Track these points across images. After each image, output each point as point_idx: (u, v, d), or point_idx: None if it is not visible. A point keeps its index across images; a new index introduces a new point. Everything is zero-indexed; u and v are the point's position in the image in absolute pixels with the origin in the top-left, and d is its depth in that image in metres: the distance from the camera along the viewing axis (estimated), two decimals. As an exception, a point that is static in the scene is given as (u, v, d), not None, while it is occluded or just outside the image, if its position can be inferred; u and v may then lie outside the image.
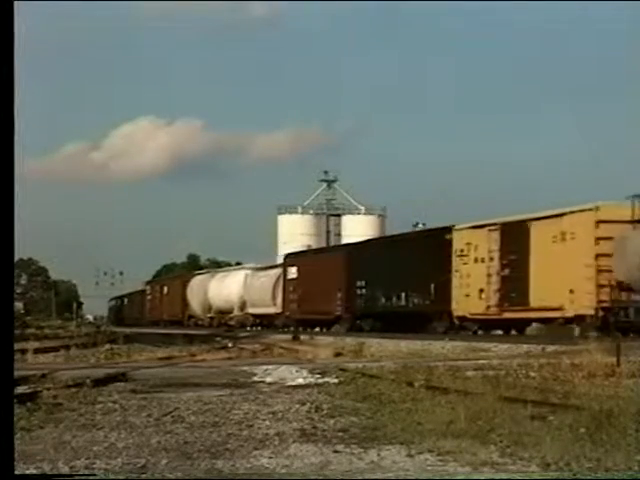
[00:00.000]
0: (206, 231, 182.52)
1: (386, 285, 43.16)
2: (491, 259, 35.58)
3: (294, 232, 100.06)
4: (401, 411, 10.50)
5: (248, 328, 59.51)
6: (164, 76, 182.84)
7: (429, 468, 7.26)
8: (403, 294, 41.79)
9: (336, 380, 14.99)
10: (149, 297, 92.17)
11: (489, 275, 35.61)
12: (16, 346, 21.74)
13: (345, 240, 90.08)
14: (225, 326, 63.68)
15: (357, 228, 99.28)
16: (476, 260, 36.55)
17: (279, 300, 56.90)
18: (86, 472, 7.22)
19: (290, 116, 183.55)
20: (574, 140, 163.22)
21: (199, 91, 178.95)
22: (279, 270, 58.91)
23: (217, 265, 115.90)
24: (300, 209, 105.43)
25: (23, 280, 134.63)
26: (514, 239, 34.24)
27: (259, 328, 60.57)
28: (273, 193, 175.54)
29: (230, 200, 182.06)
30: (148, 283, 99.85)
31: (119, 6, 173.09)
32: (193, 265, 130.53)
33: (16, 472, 6.43)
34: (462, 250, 37.36)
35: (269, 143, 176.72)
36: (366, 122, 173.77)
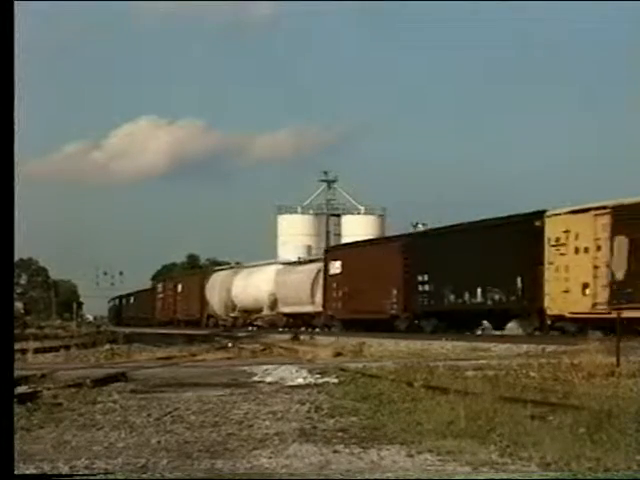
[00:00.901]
0: (206, 231, 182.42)
1: (455, 279, 38.01)
2: (598, 248, 30.40)
3: (294, 232, 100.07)
4: (401, 411, 10.51)
5: (280, 329, 53.92)
6: (165, 76, 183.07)
7: (429, 468, 7.27)
8: (479, 290, 36.65)
9: (336, 380, 14.99)
10: (160, 295, 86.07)
11: (596, 267, 30.52)
12: (16, 346, 21.75)
13: (345, 240, 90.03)
14: (250, 326, 60.71)
15: (357, 228, 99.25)
16: (577, 250, 31.56)
17: (318, 298, 51.65)
18: (86, 472, 7.23)
19: (291, 116, 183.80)
20: (575, 140, 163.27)
21: (200, 91, 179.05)
22: (318, 265, 53.63)
23: (217, 265, 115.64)
24: (300, 209, 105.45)
25: (23, 280, 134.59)
26: (630, 225, 28.10)
27: (293, 328, 53.68)
28: (273, 193, 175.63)
29: (230, 200, 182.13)
30: (158, 281, 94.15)
31: (121, 6, 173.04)
32: (193, 265, 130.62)
33: (16, 472, 6.43)
34: (558, 239, 32.34)
35: (270, 143, 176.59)
36: (366, 122, 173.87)
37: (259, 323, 60.97)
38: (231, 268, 72.44)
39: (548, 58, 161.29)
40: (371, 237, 78.33)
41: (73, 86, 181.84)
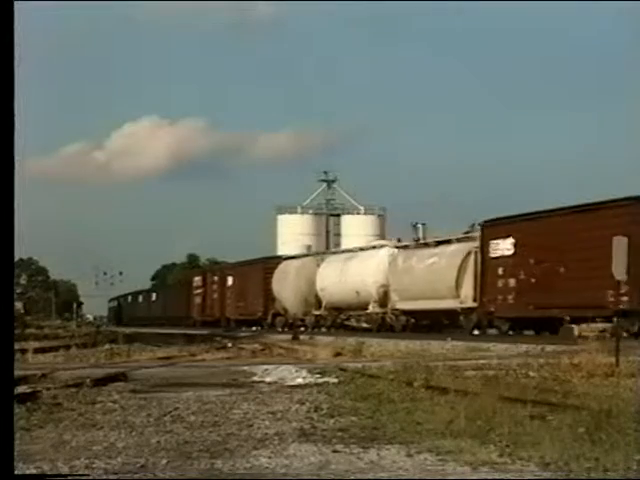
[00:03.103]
0: (206, 231, 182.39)
1: None
2: None
3: (294, 232, 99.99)
4: (400, 411, 10.51)
5: (396, 330, 42.72)
6: (167, 76, 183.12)
7: (428, 468, 7.27)
8: None
9: (335, 380, 14.99)
10: (198, 291, 72.22)
11: None
12: (16, 346, 21.73)
13: (344, 240, 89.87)
14: (342, 327, 48.16)
15: (356, 228, 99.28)
16: None
17: (467, 290, 38.88)
18: (86, 472, 7.23)
19: (291, 116, 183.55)
20: (575, 141, 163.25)
21: (201, 91, 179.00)
22: (467, 245, 39.78)
23: (216, 264, 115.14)
24: (300, 209, 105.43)
25: (23, 280, 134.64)
26: None
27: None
28: (273, 193, 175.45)
29: (230, 200, 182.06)
30: (194, 273, 79.90)
31: (122, 5, 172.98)
32: (193, 265, 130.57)
33: (16, 472, 6.43)
34: None
35: (270, 143, 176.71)
36: (366, 122, 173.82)
37: (357, 323, 47.93)
38: (313, 255, 58.47)
39: (548, 58, 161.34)
40: (371, 237, 77.88)
41: (74, 86, 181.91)
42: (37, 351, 26.48)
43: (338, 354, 24.38)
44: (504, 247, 36.35)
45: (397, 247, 46.60)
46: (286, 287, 54.80)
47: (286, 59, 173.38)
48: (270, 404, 11.80)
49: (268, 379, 16.01)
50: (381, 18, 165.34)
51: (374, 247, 50.07)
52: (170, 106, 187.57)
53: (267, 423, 9.94)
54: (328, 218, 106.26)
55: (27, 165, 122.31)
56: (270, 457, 7.79)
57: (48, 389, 13.01)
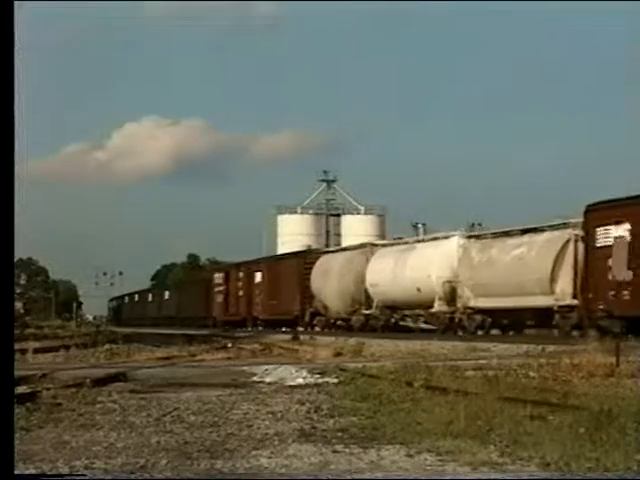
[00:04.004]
0: (206, 231, 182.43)
1: None
2: None
3: (294, 232, 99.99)
4: (400, 411, 10.51)
5: (469, 331, 37.72)
6: (168, 76, 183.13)
7: (428, 468, 7.27)
8: None
9: (336, 380, 14.99)
10: (220, 288, 66.01)
11: None
12: (16, 346, 21.73)
13: (344, 240, 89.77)
14: (396, 328, 42.14)
15: (357, 228, 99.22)
16: None
17: (565, 285, 33.28)
18: (86, 472, 7.23)
19: (292, 117, 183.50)
20: (575, 141, 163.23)
21: (202, 92, 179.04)
22: (564, 234, 34.21)
23: (216, 264, 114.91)
24: (300, 209, 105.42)
25: (23, 280, 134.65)
26: None
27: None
28: (273, 193, 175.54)
29: (230, 200, 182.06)
30: (214, 269, 73.79)
31: (124, 6, 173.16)
32: (193, 265, 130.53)
33: (15, 472, 6.43)
34: None
35: (270, 144, 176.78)
36: (366, 122, 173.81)
37: (415, 324, 42.26)
38: (357, 246, 51.00)
39: (548, 59, 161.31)
40: (371, 237, 77.84)
41: (75, 86, 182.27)
42: (37, 351, 26.47)
43: (338, 354, 24.37)
44: (617, 234, 29.94)
45: (469, 237, 40.09)
46: (328, 283, 48.56)
47: (286, 59, 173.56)
48: (270, 404, 11.79)
49: (268, 379, 16.00)
50: (381, 18, 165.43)
51: (436, 238, 43.03)
52: (171, 106, 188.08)
53: (267, 423, 9.94)
54: (328, 218, 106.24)
55: (27, 165, 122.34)
56: (270, 457, 7.79)
57: (48, 389, 13.01)
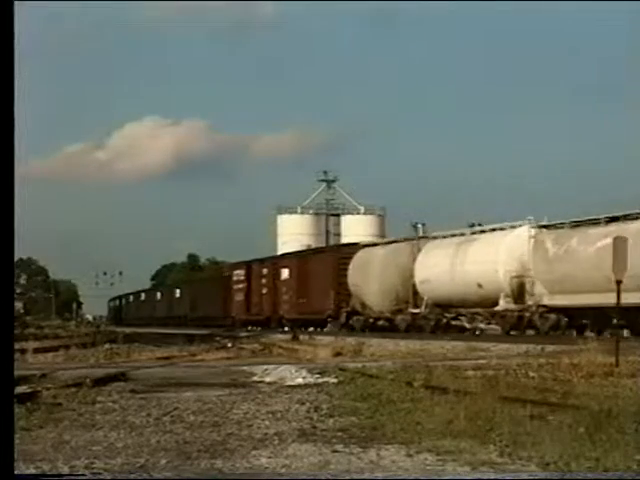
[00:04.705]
0: (206, 231, 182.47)
1: None
2: None
3: (294, 232, 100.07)
4: (400, 411, 10.51)
5: (541, 332, 33.45)
6: (168, 76, 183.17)
7: (428, 468, 7.27)
8: None
9: (335, 380, 15.00)
10: (240, 286, 61.70)
11: None
12: (16, 346, 21.74)
13: (344, 240, 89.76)
14: (448, 329, 38.26)
15: (356, 228, 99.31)
16: None
17: None
18: (86, 472, 7.23)
19: (292, 117, 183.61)
20: (575, 141, 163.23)
21: (203, 92, 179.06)
22: None
23: (215, 265, 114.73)
24: (300, 209, 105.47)
25: (23, 280, 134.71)
26: None
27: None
28: (273, 193, 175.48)
29: (230, 200, 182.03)
30: (234, 266, 66.43)
31: (124, 6, 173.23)
32: (193, 265, 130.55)
33: (16, 472, 6.43)
34: None
35: (270, 144, 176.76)
36: (366, 122, 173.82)
37: (471, 324, 37.93)
38: (398, 241, 45.37)
39: (548, 59, 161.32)
40: (371, 237, 77.78)
41: (75, 86, 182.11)
42: (37, 351, 26.47)
43: (338, 354, 24.37)
44: None
45: (541, 227, 35.18)
46: (369, 280, 43.88)
47: (286, 59, 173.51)
48: (270, 404, 11.80)
49: (268, 379, 16.01)
50: (382, 19, 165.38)
51: (502, 228, 37.76)
52: (171, 106, 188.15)
53: (267, 423, 9.94)
54: (328, 218, 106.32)
55: (27, 165, 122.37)
56: (270, 457, 7.79)
57: (48, 389, 13.02)
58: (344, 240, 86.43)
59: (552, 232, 34.62)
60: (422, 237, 42.52)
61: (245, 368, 18.77)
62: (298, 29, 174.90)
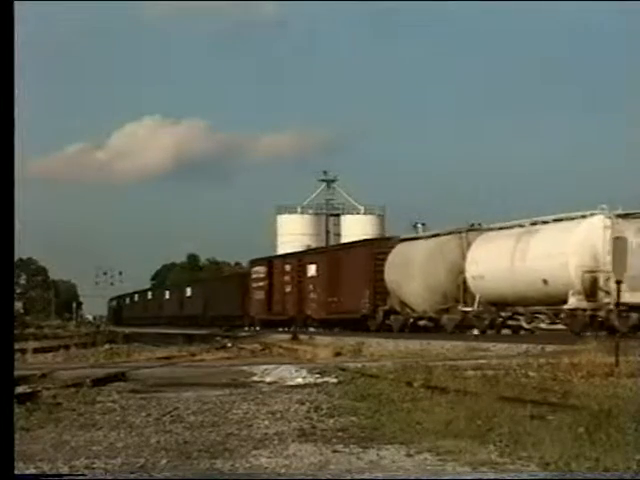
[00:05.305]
0: (206, 231, 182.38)
1: None
2: None
3: (293, 232, 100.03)
4: (400, 411, 10.51)
5: (621, 332, 26.31)
6: (169, 76, 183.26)
7: (428, 468, 7.27)
8: None
9: (335, 380, 15.00)
10: (260, 284, 57.71)
11: None
12: (15, 346, 21.74)
13: (344, 240, 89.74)
14: (504, 328, 35.23)
15: (356, 228, 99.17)
16: None
17: None
18: (86, 472, 7.23)
19: (292, 117, 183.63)
20: (574, 142, 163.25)
21: (203, 92, 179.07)
22: None
23: (216, 265, 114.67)
24: (299, 209, 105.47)
25: (23, 280, 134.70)
26: None
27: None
28: (273, 193, 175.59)
29: (230, 200, 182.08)
30: (253, 263, 61.80)
31: (124, 5, 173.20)
32: (193, 265, 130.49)
33: (16, 472, 6.43)
34: None
35: (271, 144, 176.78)
36: (366, 122, 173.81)
37: (530, 323, 34.05)
38: (439, 235, 40.86)
39: (548, 60, 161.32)
40: (371, 237, 77.77)
41: (76, 86, 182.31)
42: (37, 351, 26.48)
43: (338, 354, 24.38)
44: None
45: (619, 216, 31.51)
46: (410, 276, 39.95)
47: (287, 59, 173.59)
48: (270, 404, 11.79)
49: (268, 379, 16.01)
50: (382, 19, 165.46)
51: (570, 218, 33.46)
52: (171, 106, 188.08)
53: (267, 423, 9.94)
54: (328, 218, 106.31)
55: (27, 165, 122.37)
56: (270, 457, 7.79)
57: (48, 389, 13.02)
58: (344, 240, 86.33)
59: (632, 222, 31.24)
60: (471, 229, 38.96)
61: (245, 368, 18.77)
62: (298, 29, 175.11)
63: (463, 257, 37.63)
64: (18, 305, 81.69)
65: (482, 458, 7.52)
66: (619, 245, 22.70)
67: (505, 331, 35.36)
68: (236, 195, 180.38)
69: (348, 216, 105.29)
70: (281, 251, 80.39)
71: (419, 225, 58.05)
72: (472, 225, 39.47)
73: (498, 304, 35.57)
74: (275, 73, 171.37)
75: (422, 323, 39.81)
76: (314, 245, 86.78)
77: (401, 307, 41.40)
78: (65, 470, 7.29)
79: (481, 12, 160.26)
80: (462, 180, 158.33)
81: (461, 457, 7.58)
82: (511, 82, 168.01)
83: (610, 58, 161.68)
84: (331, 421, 10.02)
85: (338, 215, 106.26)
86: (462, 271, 37.40)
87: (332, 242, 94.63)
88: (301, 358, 23.32)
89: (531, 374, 14.98)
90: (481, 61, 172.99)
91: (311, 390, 13.57)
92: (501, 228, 36.90)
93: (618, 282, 20.41)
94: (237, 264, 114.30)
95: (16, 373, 12.26)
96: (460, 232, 39.16)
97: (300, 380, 15.49)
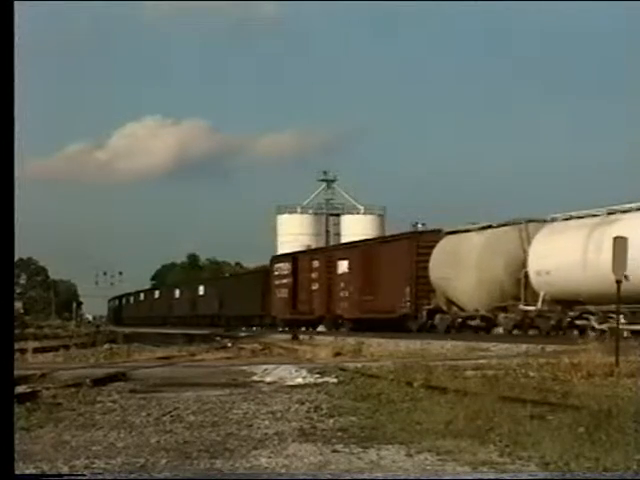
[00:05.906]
0: (206, 231, 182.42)
1: None
2: None
3: (293, 232, 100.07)
4: (400, 411, 10.51)
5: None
6: (169, 76, 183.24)
7: (428, 468, 7.27)
8: None
9: (335, 380, 14.99)
10: (284, 281, 54.23)
11: None
12: (15, 346, 21.73)
13: (344, 240, 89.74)
14: (574, 328, 30.89)
15: (356, 228, 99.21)
16: None
17: None
18: (86, 472, 7.23)
19: (292, 117, 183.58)
20: (574, 142, 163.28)
21: (204, 92, 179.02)
22: None
23: (216, 265, 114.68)
24: (299, 209, 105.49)
25: (23, 280, 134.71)
26: None
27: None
28: (273, 193, 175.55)
29: (230, 200, 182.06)
30: (275, 260, 58.72)
31: (126, 5, 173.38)
32: (193, 265, 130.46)
33: (16, 472, 6.43)
34: None
35: (271, 144, 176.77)
36: (366, 122, 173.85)
37: (602, 324, 29.59)
38: (493, 227, 36.70)
39: (548, 59, 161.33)
40: (371, 237, 77.76)
41: (76, 86, 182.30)
42: (37, 351, 26.46)
43: (338, 354, 24.36)
44: None
45: None
46: (461, 272, 36.37)
47: (287, 59, 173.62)
48: (270, 404, 11.79)
49: (268, 379, 16.01)
50: (382, 19, 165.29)
51: None
52: (172, 106, 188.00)
53: (267, 423, 9.94)
54: (328, 218, 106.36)
55: (27, 165, 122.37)
56: (270, 457, 7.79)
57: (48, 389, 13.01)
58: (344, 240, 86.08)
59: None
60: (531, 220, 35.10)
61: (245, 368, 18.77)
62: (299, 29, 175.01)
63: (523, 250, 33.86)
64: (18, 305, 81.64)
65: (482, 458, 7.52)
66: (619, 245, 22.63)
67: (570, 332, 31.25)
68: (236, 195, 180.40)
69: (348, 216, 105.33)
70: (281, 251, 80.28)
71: (419, 225, 57.79)
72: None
73: (565, 302, 31.67)
74: (275, 73, 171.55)
75: (473, 323, 36.32)
76: (314, 245, 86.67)
77: (448, 306, 37.85)
78: (65, 470, 7.29)
79: (481, 12, 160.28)
80: (462, 180, 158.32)
81: (461, 457, 7.58)
82: (511, 82, 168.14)
83: (610, 58, 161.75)
84: (331, 421, 10.02)
85: (338, 215, 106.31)
86: (523, 266, 33.49)
87: (332, 242, 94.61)
88: (301, 358, 23.32)
89: (531, 374, 14.99)
90: (481, 61, 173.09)
91: (311, 390, 13.57)
92: (569, 218, 32.62)
93: (618, 282, 20.38)
94: (237, 264, 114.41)
95: (16, 373, 12.25)
96: (519, 223, 35.45)
97: (300, 380, 15.49)
